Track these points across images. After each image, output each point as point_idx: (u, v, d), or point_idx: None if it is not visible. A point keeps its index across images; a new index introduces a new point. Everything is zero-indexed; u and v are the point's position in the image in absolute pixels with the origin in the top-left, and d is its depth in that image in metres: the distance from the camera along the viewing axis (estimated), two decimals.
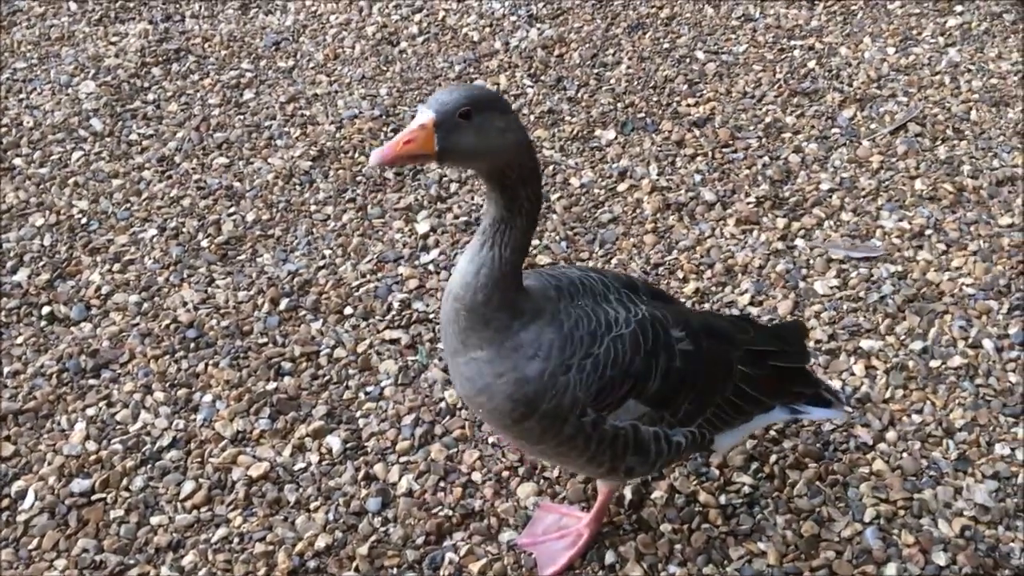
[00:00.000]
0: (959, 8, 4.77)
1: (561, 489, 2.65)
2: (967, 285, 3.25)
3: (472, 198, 3.69)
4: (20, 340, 3.09)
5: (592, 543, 2.51)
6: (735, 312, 3.19)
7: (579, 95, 4.28)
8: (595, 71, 4.42)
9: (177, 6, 4.89)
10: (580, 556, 2.48)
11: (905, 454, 2.73)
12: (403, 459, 2.73)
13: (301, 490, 2.65)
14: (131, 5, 4.87)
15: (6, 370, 2.99)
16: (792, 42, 4.59)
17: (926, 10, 4.77)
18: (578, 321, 2.06)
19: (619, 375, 2.06)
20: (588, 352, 2.04)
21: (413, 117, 1.79)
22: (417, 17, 4.80)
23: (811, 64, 4.42)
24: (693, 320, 2.25)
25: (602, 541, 2.54)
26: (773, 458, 2.71)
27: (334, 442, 2.76)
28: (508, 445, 2.74)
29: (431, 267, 3.38)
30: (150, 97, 4.24)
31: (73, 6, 4.85)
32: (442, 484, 2.66)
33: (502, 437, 2.62)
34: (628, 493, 2.61)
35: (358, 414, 2.87)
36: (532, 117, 4.13)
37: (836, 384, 2.93)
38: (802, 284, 3.29)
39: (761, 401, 2.31)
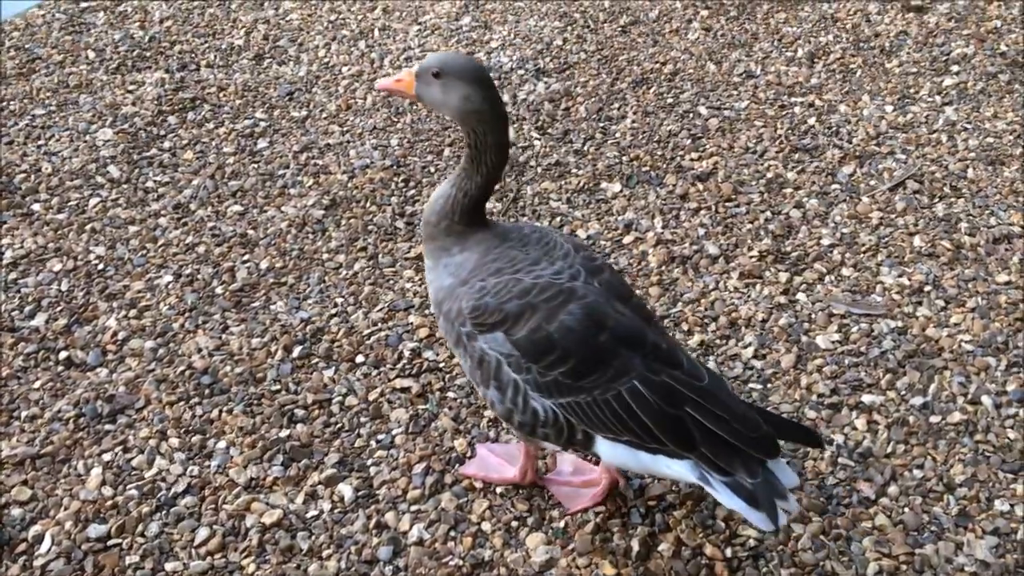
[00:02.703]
0: (955, 68, 4.90)
1: (572, 542, 2.70)
2: (966, 341, 3.33)
3: None
4: (37, 384, 3.15)
5: (605, 492, 2.76)
6: (739, 364, 3.26)
7: (585, 148, 4.38)
8: (601, 125, 4.53)
9: (193, 56, 5.01)
10: (599, 500, 2.74)
11: (907, 509, 2.78)
12: (414, 508, 2.77)
13: (313, 538, 2.69)
14: (148, 54, 4.99)
15: (23, 414, 3.04)
16: (793, 99, 4.71)
17: (923, 69, 4.90)
18: (498, 259, 2.46)
19: (494, 305, 2.39)
20: (483, 279, 2.43)
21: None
22: None
23: (811, 121, 4.54)
24: (626, 323, 2.37)
25: None
26: (777, 511, 2.76)
27: (346, 490, 2.81)
28: (516, 496, 2.80)
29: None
30: (166, 145, 4.34)
31: (91, 54, 4.96)
32: (452, 533, 2.70)
33: None
34: (636, 545, 2.66)
35: (369, 462, 2.92)
36: (539, 169, 4.23)
37: (838, 439, 2.99)
38: (804, 338, 3.36)
39: (655, 436, 2.31)
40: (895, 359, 3.27)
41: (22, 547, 2.64)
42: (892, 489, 2.84)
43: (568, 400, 2.36)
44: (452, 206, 2.48)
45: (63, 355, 3.26)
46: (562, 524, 2.73)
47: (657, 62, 5.00)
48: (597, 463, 2.79)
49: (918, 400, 3.12)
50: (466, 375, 2.67)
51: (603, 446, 2.41)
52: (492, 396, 2.45)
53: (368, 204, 4.01)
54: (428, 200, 2.56)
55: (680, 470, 2.36)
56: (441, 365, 3.25)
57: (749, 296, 3.55)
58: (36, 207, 3.93)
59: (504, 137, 2.44)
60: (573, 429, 2.39)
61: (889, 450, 2.96)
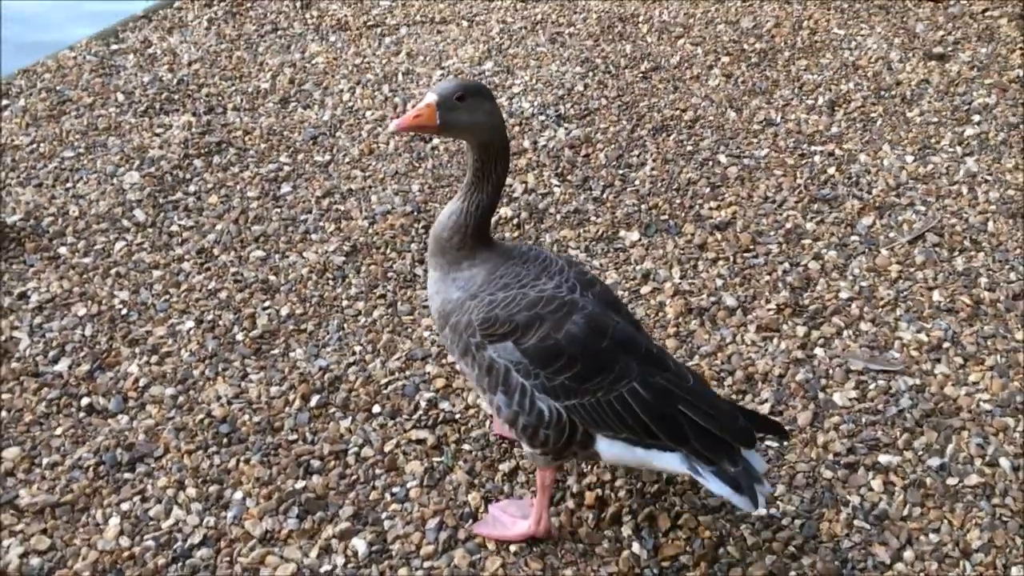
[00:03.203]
0: (976, 117, 4.90)
1: None
2: (984, 401, 3.31)
3: None
4: (59, 431, 3.19)
5: (524, 539, 2.83)
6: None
7: (604, 195, 4.41)
8: (620, 172, 4.56)
9: (220, 99, 5.10)
10: (511, 540, 2.82)
11: (922, 574, 2.76)
12: (427, 564, 2.78)
13: None
14: (176, 97, 5.08)
15: (45, 461, 3.08)
16: (812, 147, 4.72)
17: (944, 119, 4.91)
18: (505, 275, 2.62)
19: (504, 316, 2.56)
20: (492, 293, 2.59)
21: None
22: None
23: (831, 170, 4.55)
24: (622, 329, 2.62)
25: None
26: (792, 575, 2.75)
27: (360, 545, 2.83)
28: (529, 554, 2.80)
29: (457, 366, 3.47)
30: (191, 188, 4.41)
31: (121, 97, 5.06)
32: None
33: None
34: None
35: (384, 516, 2.93)
36: (559, 216, 4.26)
37: (854, 500, 2.98)
38: (821, 395, 3.35)
39: (650, 431, 2.55)
40: (912, 418, 3.25)
41: None
42: (908, 554, 2.82)
43: (573, 402, 2.57)
44: (465, 220, 2.60)
45: (85, 401, 3.31)
46: None
47: (677, 109, 5.04)
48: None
49: (935, 461, 3.10)
50: (471, 382, 2.79)
51: (602, 444, 2.62)
52: (500, 400, 2.61)
53: (388, 251, 4.05)
54: (438, 216, 2.68)
55: (672, 462, 2.61)
56: (457, 416, 3.27)
57: (766, 350, 3.55)
58: (63, 250, 4.00)
59: (507, 143, 2.63)
60: (575, 429, 2.59)
61: (905, 513, 2.94)
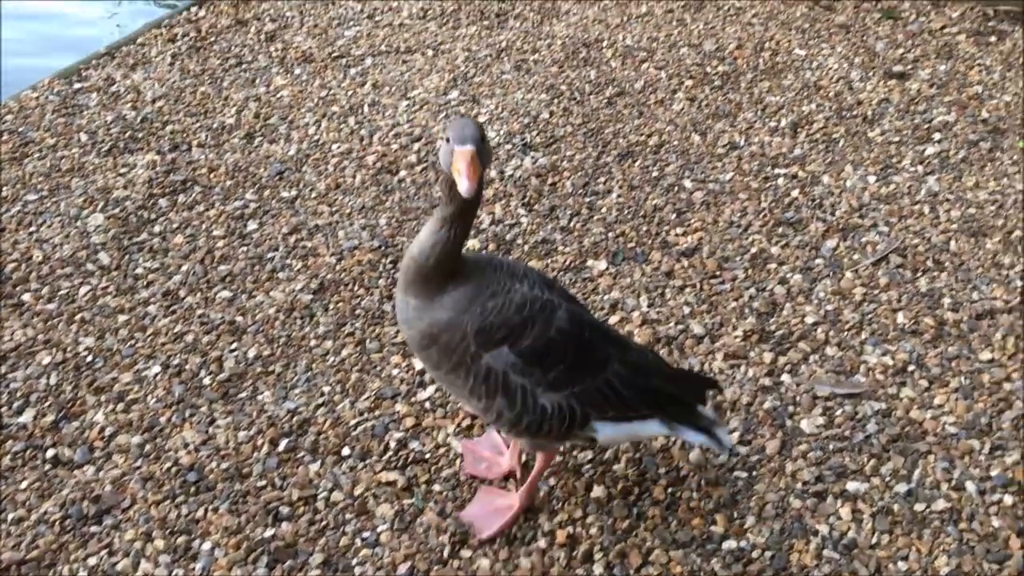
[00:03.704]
0: (937, 136, 4.97)
1: None
2: (949, 424, 3.34)
3: None
4: (24, 485, 3.16)
5: (520, 514, 3.01)
6: (723, 451, 3.27)
7: (571, 224, 4.42)
8: (587, 200, 4.58)
9: (184, 136, 5.08)
10: (511, 525, 2.99)
11: None
12: None
13: None
14: (140, 135, 5.06)
15: (10, 516, 3.05)
16: (776, 170, 4.76)
17: (905, 138, 4.97)
18: (490, 284, 2.68)
19: (499, 323, 2.64)
20: (483, 304, 2.64)
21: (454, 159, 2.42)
22: (416, 146, 4.98)
23: (795, 193, 4.59)
24: (589, 318, 2.88)
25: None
26: None
27: None
28: None
29: (428, 404, 3.47)
30: (156, 229, 4.39)
31: (84, 137, 5.03)
32: None
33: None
34: None
35: (354, 562, 2.92)
36: (526, 247, 4.27)
37: (823, 529, 2.99)
38: (789, 422, 3.37)
39: (634, 407, 2.82)
40: (879, 443, 3.28)
41: None
42: None
43: (569, 390, 2.74)
44: (448, 247, 2.59)
45: (50, 453, 3.28)
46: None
47: (642, 134, 5.07)
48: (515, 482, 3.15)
49: (903, 487, 3.12)
50: (460, 398, 2.83)
51: (597, 424, 2.81)
52: (500, 405, 2.70)
53: (356, 287, 4.05)
54: (414, 245, 2.63)
55: (654, 428, 2.90)
56: (427, 456, 3.27)
57: (734, 378, 3.57)
58: (26, 297, 3.97)
59: None
60: (574, 415, 2.75)
61: (874, 541, 2.96)
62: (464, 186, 2.36)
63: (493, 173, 4.76)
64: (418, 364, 3.64)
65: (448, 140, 2.45)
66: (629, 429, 2.88)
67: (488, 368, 2.66)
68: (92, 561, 2.91)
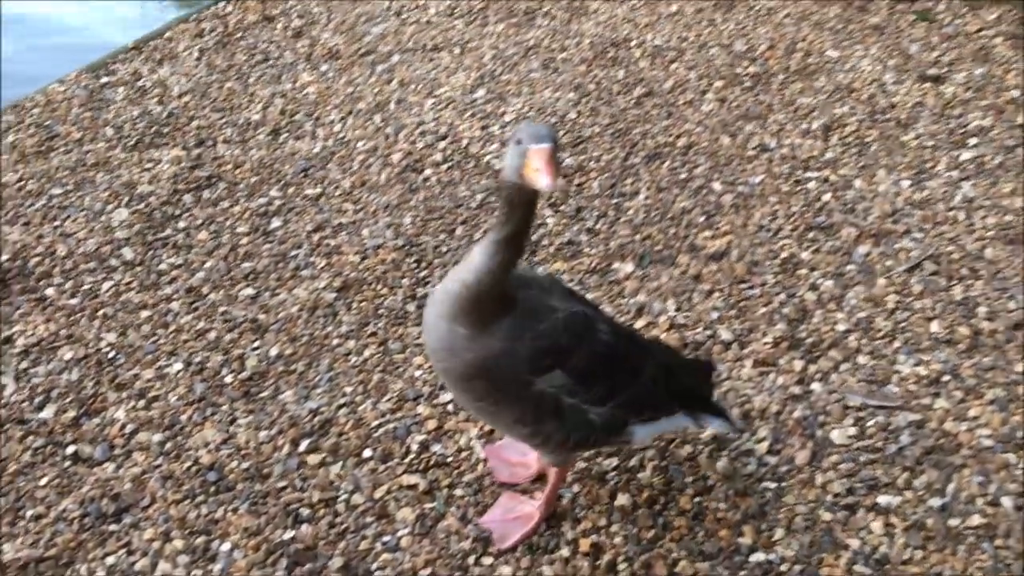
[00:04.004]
0: (972, 140, 4.86)
1: None
2: (985, 436, 3.25)
3: None
4: (44, 481, 3.14)
5: (540, 524, 2.96)
6: (752, 460, 3.20)
7: (598, 226, 4.36)
8: (614, 201, 4.52)
9: (210, 131, 5.06)
10: (531, 535, 2.93)
11: None
12: None
13: None
14: (166, 131, 5.05)
15: (29, 513, 3.03)
16: (808, 173, 4.68)
17: (940, 142, 4.87)
18: (536, 307, 2.57)
19: (549, 347, 2.56)
20: (535, 328, 2.53)
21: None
22: (442, 144, 4.94)
23: (826, 197, 4.50)
24: (617, 326, 2.84)
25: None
26: None
27: None
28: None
29: (450, 407, 3.42)
30: (181, 225, 4.36)
31: (110, 131, 5.03)
32: None
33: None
34: None
35: (374, 566, 2.88)
36: (552, 248, 4.22)
37: (854, 544, 2.92)
38: (819, 432, 3.30)
39: (665, 405, 2.83)
40: (912, 456, 3.20)
41: None
42: None
43: (616, 402, 2.70)
44: (503, 271, 2.45)
45: (71, 449, 3.26)
46: None
47: (671, 135, 5.00)
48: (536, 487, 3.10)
49: (936, 501, 3.04)
50: (502, 426, 2.82)
51: (638, 431, 2.81)
52: (550, 429, 2.65)
53: (379, 287, 4.00)
54: (466, 271, 2.44)
55: (681, 421, 2.90)
56: (449, 460, 3.22)
57: (763, 386, 3.50)
58: (50, 291, 3.95)
59: None
60: (616, 424, 2.74)
61: (907, 556, 2.89)
62: (545, 181, 2.20)
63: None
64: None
65: (519, 142, 2.28)
66: (660, 427, 2.88)
67: (541, 394, 2.58)
68: (110, 560, 2.88)
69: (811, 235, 4.27)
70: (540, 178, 2.21)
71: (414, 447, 3.26)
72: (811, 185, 4.59)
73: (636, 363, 2.76)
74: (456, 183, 4.66)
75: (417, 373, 3.57)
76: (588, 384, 2.64)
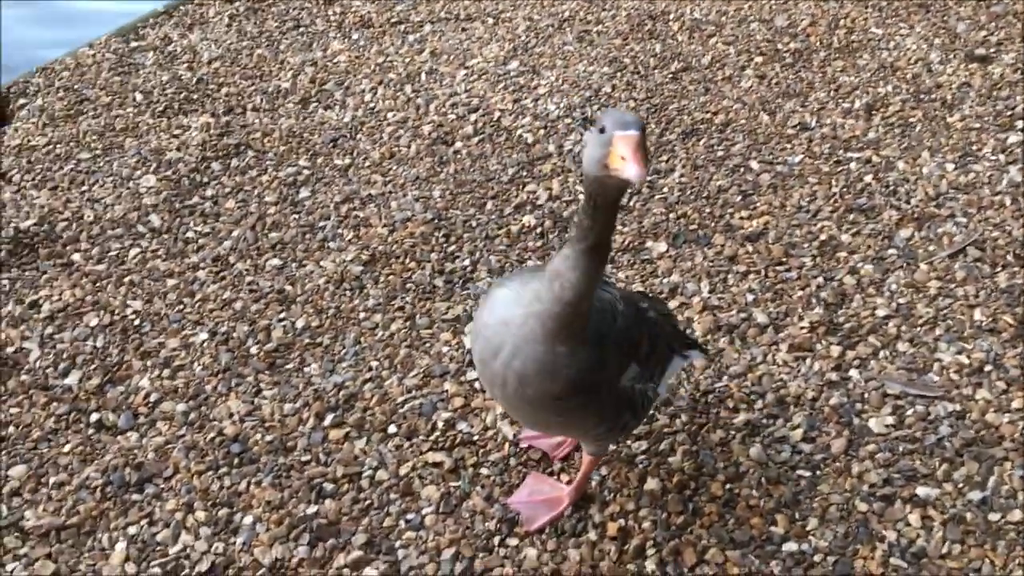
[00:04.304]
0: (1020, 123, 4.70)
1: None
2: None
3: None
4: (67, 448, 3.11)
5: (568, 509, 2.90)
6: (787, 447, 3.11)
7: (631, 203, 4.27)
8: (648, 178, 4.41)
9: (239, 99, 5.00)
10: (559, 519, 2.87)
11: None
12: None
13: None
14: (195, 97, 4.99)
15: (52, 480, 3.00)
16: (849, 154, 4.55)
17: (987, 125, 4.71)
18: (600, 309, 2.42)
19: (630, 345, 2.53)
20: (612, 330, 2.44)
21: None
22: (473, 117, 4.85)
23: (868, 178, 4.38)
24: (634, 295, 2.85)
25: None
26: None
27: None
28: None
29: (477, 384, 3.36)
30: (208, 193, 4.31)
31: (139, 96, 4.98)
32: None
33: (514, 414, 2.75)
34: None
35: (397, 544, 2.83)
36: None
37: (890, 536, 2.83)
38: (856, 420, 3.20)
39: (669, 353, 2.83)
40: (952, 447, 3.10)
41: None
42: None
43: (654, 371, 2.71)
44: (593, 283, 2.24)
45: (94, 417, 3.23)
46: None
47: (708, 112, 4.88)
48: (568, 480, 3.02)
49: (976, 494, 2.95)
50: (575, 432, 2.79)
51: (662, 387, 2.80)
52: (626, 420, 2.59)
53: (407, 260, 3.94)
54: (562, 286, 2.20)
55: (678, 364, 2.93)
56: (475, 438, 3.16)
57: (799, 371, 3.41)
58: (76, 257, 3.92)
59: None
60: (656, 391, 2.73)
61: (945, 550, 2.80)
62: (633, 171, 1.94)
63: (551, 147, 4.62)
64: (470, 341, 3.53)
65: (602, 130, 2.03)
66: (668, 376, 2.86)
67: (622, 390, 2.53)
68: (132, 530, 2.85)
69: (851, 217, 4.15)
70: (628, 167, 1.95)
71: (440, 424, 3.20)
72: (852, 166, 4.47)
73: (661, 329, 2.78)
74: (487, 156, 4.58)
75: (444, 349, 3.51)
76: (650, 366, 2.65)
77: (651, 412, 3.12)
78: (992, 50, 5.33)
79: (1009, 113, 4.79)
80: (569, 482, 2.96)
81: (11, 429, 3.17)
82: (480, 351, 2.42)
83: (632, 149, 1.96)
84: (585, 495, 2.94)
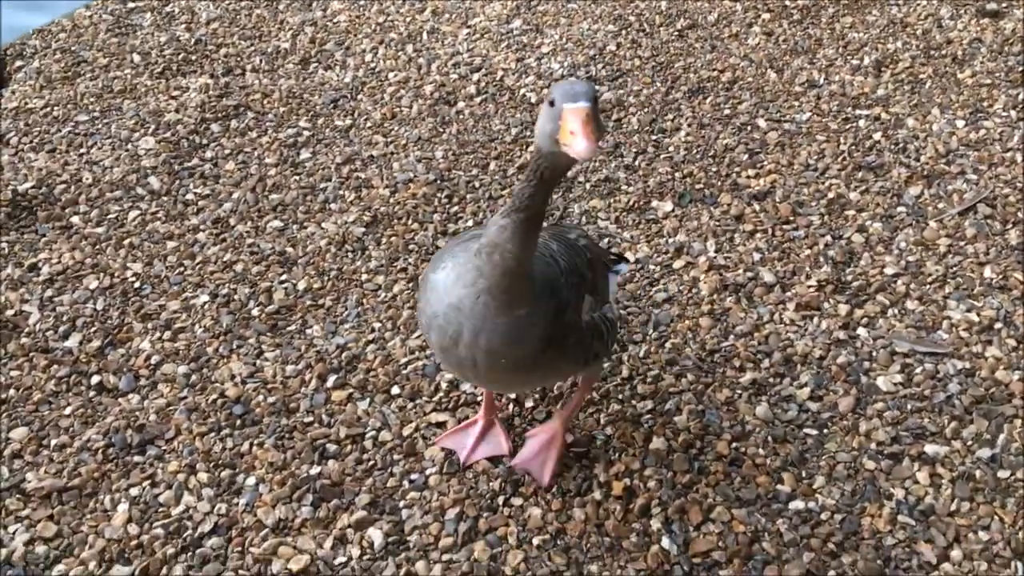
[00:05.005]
0: None
1: None
2: None
3: None
4: (68, 411, 3.09)
5: (565, 436, 2.92)
6: (793, 406, 3.08)
7: (636, 163, 4.21)
8: (653, 137, 4.35)
9: (238, 59, 4.93)
10: (562, 455, 2.87)
11: (971, 575, 2.60)
12: (445, 557, 2.66)
13: None
14: (193, 58, 4.92)
15: (53, 443, 2.99)
16: (857, 111, 4.48)
17: (998, 81, 4.63)
18: (542, 257, 2.40)
19: (578, 280, 2.49)
20: (562, 273, 2.42)
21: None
22: (475, 76, 4.78)
23: (876, 136, 4.31)
24: (551, 230, 2.75)
25: None
26: (831, 574, 2.59)
27: (376, 535, 2.70)
28: (553, 549, 2.66)
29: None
30: (208, 155, 4.26)
31: (137, 58, 4.91)
32: None
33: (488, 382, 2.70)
34: None
35: (401, 504, 2.81)
36: (588, 185, 4.07)
37: (898, 494, 2.81)
38: (864, 379, 3.17)
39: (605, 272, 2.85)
40: (961, 405, 3.06)
41: None
42: (955, 553, 2.65)
43: (600, 295, 2.70)
44: (531, 249, 2.28)
45: (95, 379, 3.20)
46: None
47: (715, 69, 4.80)
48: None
49: (986, 452, 2.91)
50: (552, 379, 2.93)
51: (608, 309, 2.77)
52: (597, 349, 2.58)
53: (410, 221, 3.89)
54: (500, 261, 2.18)
55: (613, 283, 2.94)
56: (478, 399, 3.13)
57: (806, 330, 3.37)
58: (75, 220, 3.88)
59: None
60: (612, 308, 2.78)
61: (953, 508, 2.77)
62: (581, 145, 1.87)
63: None
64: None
65: (552, 103, 1.98)
66: (611, 295, 2.85)
67: (586, 325, 2.51)
68: (134, 492, 2.83)
69: (860, 175, 4.09)
70: (577, 143, 1.88)
71: (443, 385, 3.17)
72: (861, 123, 4.40)
73: (590, 253, 2.76)
74: (490, 116, 4.51)
75: None
76: (599, 292, 2.67)
77: (619, 330, 3.15)
78: (1004, 5, 5.23)
79: (1021, 69, 4.71)
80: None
81: (11, 392, 3.14)
82: (438, 341, 2.37)
83: (581, 122, 1.88)
84: (589, 454, 2.92)
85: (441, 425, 3.04)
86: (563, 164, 2.08)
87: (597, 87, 4.63)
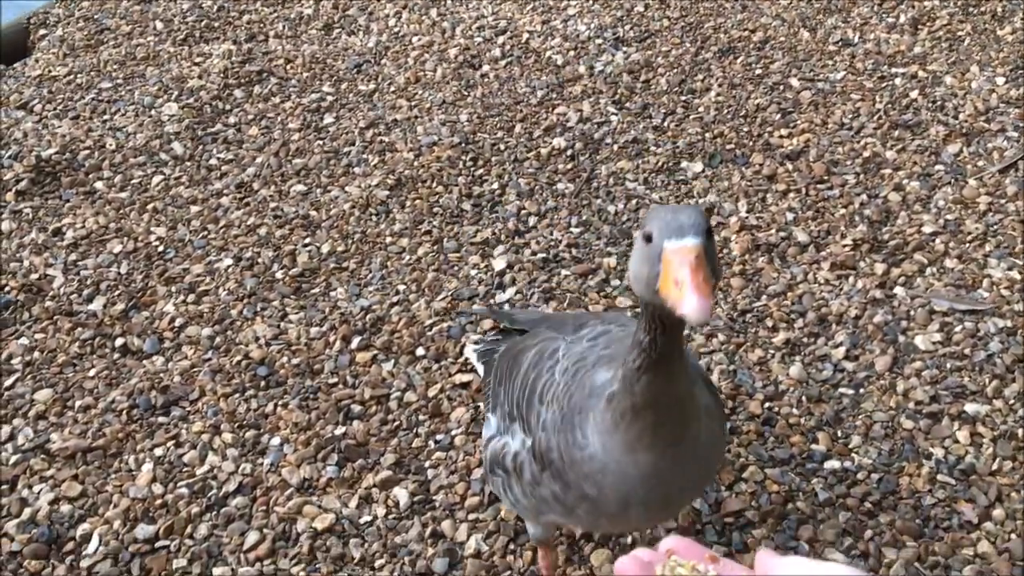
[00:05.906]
0: None
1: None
2: None
3: (551, 232, 3.57)
4: (92, 373, 3.07)
5: None
6: (828, 366, 3.00)
7: (666, 124, 4.12)
8: (683, 98, 4.26)
9: (261, 26, 4.88)
10: None
11: (1013, 535, 2.51)
12: (471, 516, 2.61)
13: (366, 546, 2.56)
14: (216, 24, 4.88)
15: (77, 404, 2.97)
16: (893, 69, 4.35)
17: None
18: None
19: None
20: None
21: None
22: (500, 39, 4.70)
23: (913, 94, 4.18)
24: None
25: None
26: (868, 534, 2.52)
27: (401, 495, 2.66)
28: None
29: (506, 307, 3.27)
30: (231, 120, 4.22)
31: (159, 25, 4.88)
32: (512, 546, 2.54)
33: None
34: None
35: (427, 464, 2.77)
36: (616, 147, 3.99)
37: (937, 453, 2.72)
38: (902, 338, 3.07)
39: None
40: (1003, 364, 2.96)
41: (70, 546, 2.56)
42: (997, 512, 2.56)
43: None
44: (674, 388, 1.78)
45: (119, 342, 3.18)
46: (629, 540, 2.54)
47: (746, 29, 4.69)
48: None
49: None
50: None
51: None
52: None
53: (434, 184, 3.83)
54: (626, 392, 1.72)
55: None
56: None
57: (841, 289, 3.28)
58: (99, 185, 3.86)
59: None
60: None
61: (995, 467, 2.68)
62: (692, 304, 1.34)
63: (582, 69, 4.46)
64: (499, 264, 3.43)
65: (649, 239, 1.47)
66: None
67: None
68: (158, 452, 2.81)
69: (896, 134, 3.97)
70: (686, 301, 1.35)
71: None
72: (897, 82, 4.27)
73: None
74: (515, 79, 4.44)
75: (472, 272, 3.42)
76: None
77: None
78: None
79: None
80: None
81: (36, 354, 3.13)
82: (607, 513, 1.88)
83: (691, 269, 1.38)
84: None
85: (466, 386, 2.99)
86: (675, 316, 1.42)
87: (625, 48, 4.54)
